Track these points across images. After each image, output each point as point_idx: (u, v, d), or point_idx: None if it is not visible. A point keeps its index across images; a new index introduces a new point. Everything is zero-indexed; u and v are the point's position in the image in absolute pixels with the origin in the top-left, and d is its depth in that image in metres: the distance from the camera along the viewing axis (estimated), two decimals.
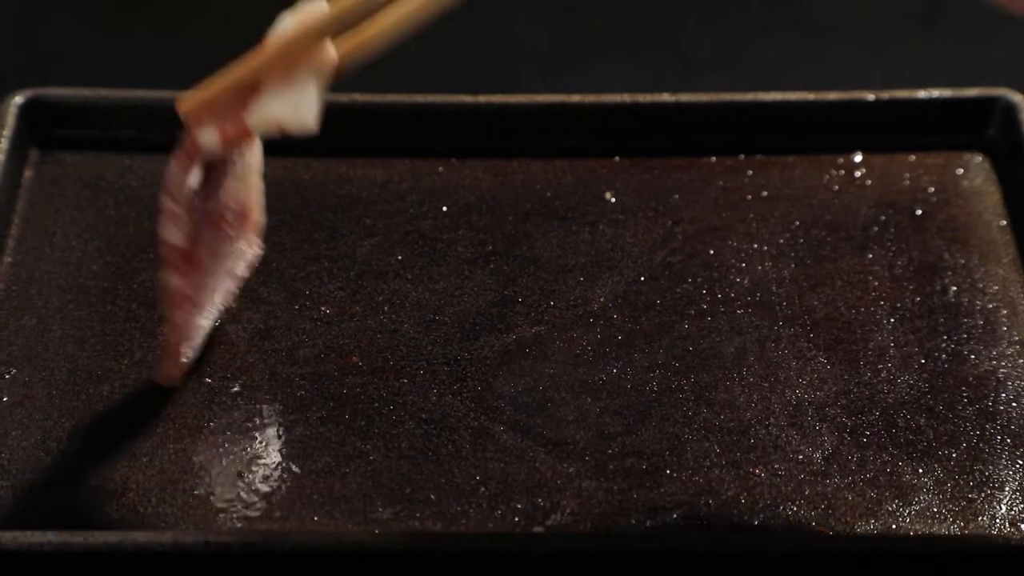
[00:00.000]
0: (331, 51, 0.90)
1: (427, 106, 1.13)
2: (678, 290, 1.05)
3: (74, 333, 1.01)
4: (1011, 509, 0.94)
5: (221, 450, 0.96)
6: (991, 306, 1.04)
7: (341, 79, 0.91)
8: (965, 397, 0.99)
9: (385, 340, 1.01)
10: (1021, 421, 0.97)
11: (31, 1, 1.40)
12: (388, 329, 1.02)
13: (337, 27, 0.90)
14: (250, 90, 0.91)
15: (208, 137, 0.91)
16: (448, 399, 0.98)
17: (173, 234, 0.94)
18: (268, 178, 1.11)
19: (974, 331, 1.02)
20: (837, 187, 1.11)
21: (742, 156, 1.13)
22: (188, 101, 0.93)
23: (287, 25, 0.91)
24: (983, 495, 0.94)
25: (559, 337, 1.02)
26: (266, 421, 0.97)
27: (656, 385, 0.99)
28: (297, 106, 0.90)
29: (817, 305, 1.04)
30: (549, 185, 1.11)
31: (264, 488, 0.94)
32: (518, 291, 1.04)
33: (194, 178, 0.93)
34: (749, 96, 1.13)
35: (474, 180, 1.11)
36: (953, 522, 0.93)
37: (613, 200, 1.10)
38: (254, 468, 0.95)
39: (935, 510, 0.93)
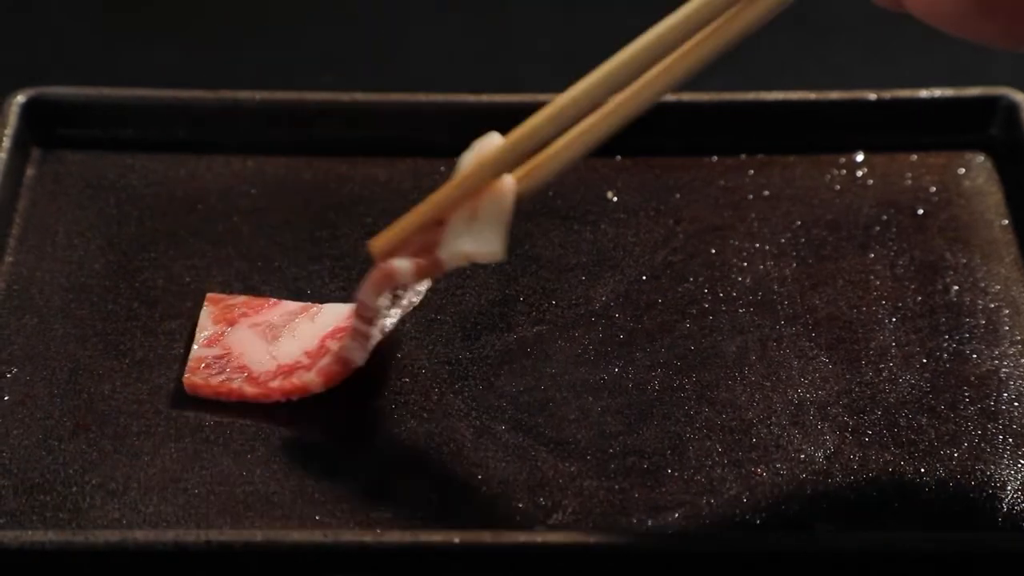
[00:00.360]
0: (509, 181, 0.94)
1: (429, 105, 1.13)
2: (680, 289, 1.05)
3: (75, 332, 1.01)
4: (1013, 509, 0.94)
5: (222, 449, 0.96)
6: (993, 305, 1.04)
7: (521, 205, 0.95)
8: (967, 397, 0.99)
9: (387, 339, 1.01)
10: (1023, 421, 0.97)
11: (33, 0, 1.40)
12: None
13: (513, 159, 0.94)
14: (436, 225, 0.95)
15: (404, 268, 0.95)
16: (450, 398, 0.98)
17: (356, 354, 0.98)
18: (270, 177, 1.11)
19: (976, 331, 1.02)
20: (839, 186, 1.11)
21: (743, 156, 1.13)
22: (380, 240, 0.97)
23: (467, 162, 0.95)
24: (985, 495, 0.94)
25: (561, 336, 1.02)
26: (268, 419, 0.97)
27: (658, 384, 0.99)
28: (483, 238, 0.94)
29: (819, 304, 1.04)
30: (551, 184, 1.11)
31: (265, 487, 0.94)
32: (520, 290, 1.04)
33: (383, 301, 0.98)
34: (751, 96, 1.13)
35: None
36: (956, 522, 0.93)
37: (615, 199, 1.10)
38: (255, 467, 0.95)
39: (937, 509, 0.93)
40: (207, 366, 0.98)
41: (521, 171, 0.95)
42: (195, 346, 0.99)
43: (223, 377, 0.97)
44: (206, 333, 1.00)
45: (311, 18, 1.41)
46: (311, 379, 0.97)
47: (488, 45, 1.39)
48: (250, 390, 0.97)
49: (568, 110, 0.93)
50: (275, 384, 0.97)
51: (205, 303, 1.01)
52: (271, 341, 0.99)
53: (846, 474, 0.95)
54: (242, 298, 1.02)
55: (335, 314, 1.01)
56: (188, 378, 0.98)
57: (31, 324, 1.02)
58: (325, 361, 0.97)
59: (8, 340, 1.01)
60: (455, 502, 0.93)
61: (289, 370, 0.98)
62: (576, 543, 0.90)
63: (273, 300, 1.02)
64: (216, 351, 0.98)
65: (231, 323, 1.00)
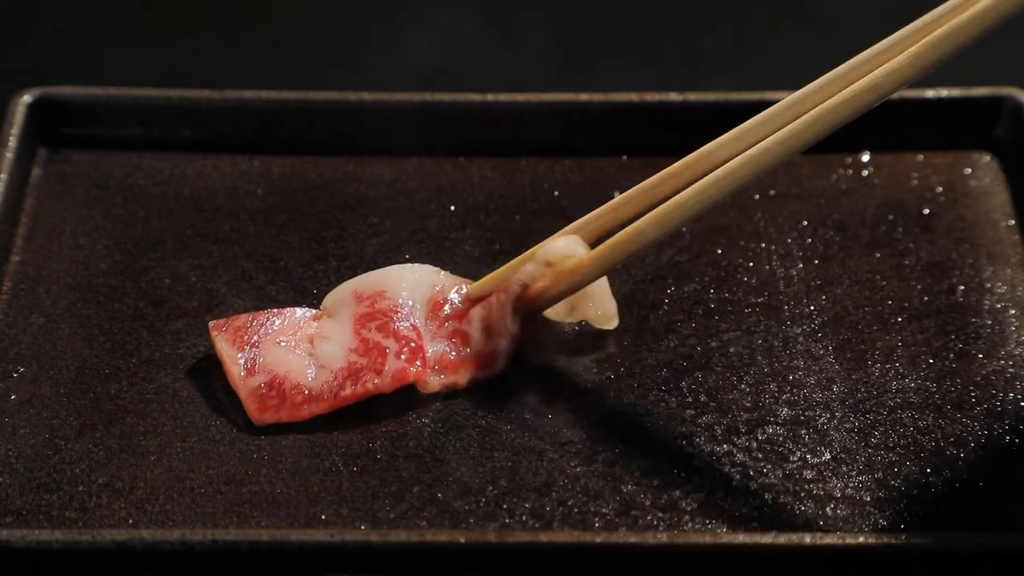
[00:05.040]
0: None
1: (435, 104, 1.13)
2: (685, 289, 1.05)
3: (82, 331, 1.02)
4: (1019, 509, 0.94)
5: (228, 449, 0.96)
6: (999, 306, 1.04)
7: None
8: (973, 397, 0.99)
9: None
10: None
11: None
12: None
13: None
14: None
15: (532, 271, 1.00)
16: (455, 398, 0.98)
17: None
18: (277, 177, 1.11)
19: (982, 331, 1.02)
20: (845, 186, 1.11)
21: None
22: (476, 286, 1.01)
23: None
24: (991, 495, 0.94)
25: (565, 336, 1.02)
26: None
27: (663, 384, 0.99)
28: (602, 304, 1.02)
29: (825, 304, 1.04)
30: (557, 184, 1.11)
31: (271, 487, 0.94)
32: None
33: None
34: (756, 95, 1.13)
35: (482, 179, 1.11)
36: (961, 522, 0.93)
37: None
38: (261, 467, 0.95)
39: (943, 510, 0.93)
40: (263, 396, 0.97)
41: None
42: (239, 380, 0.97)
43: (288, 404, 0.96)
44: (240, 362, 0.99)
45: (316, 17, 1.41)
46: (384, 383, 0.97)
47: (495, 43, 1.39)
48: (321, 407, 0.96)
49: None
50: (346, 393, 0.97)
51: (212, 332, 0.99)
52: (307, 353, 0.98)
53: (852, 474, 0.95)
54: (243, 316, 1.00)
55: (343, 302, 1.00)
56: (259, 416, 0.96)
57: (38, 323, 1.02)
58: (397, 366, 0.97)
59: (15, 339, 1.01)
60: (461, 502, 0.93)
61: (354, 375, 0.97)
62: (581, 543, 0.90)
63: (275, 310, 1.01)
64: (263, 378, 0.97)
65: (255, 346, 0.99)
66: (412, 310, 0.99)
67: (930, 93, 1.12)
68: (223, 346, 0.98)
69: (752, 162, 0.95)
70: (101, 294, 1.04)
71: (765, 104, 1.12)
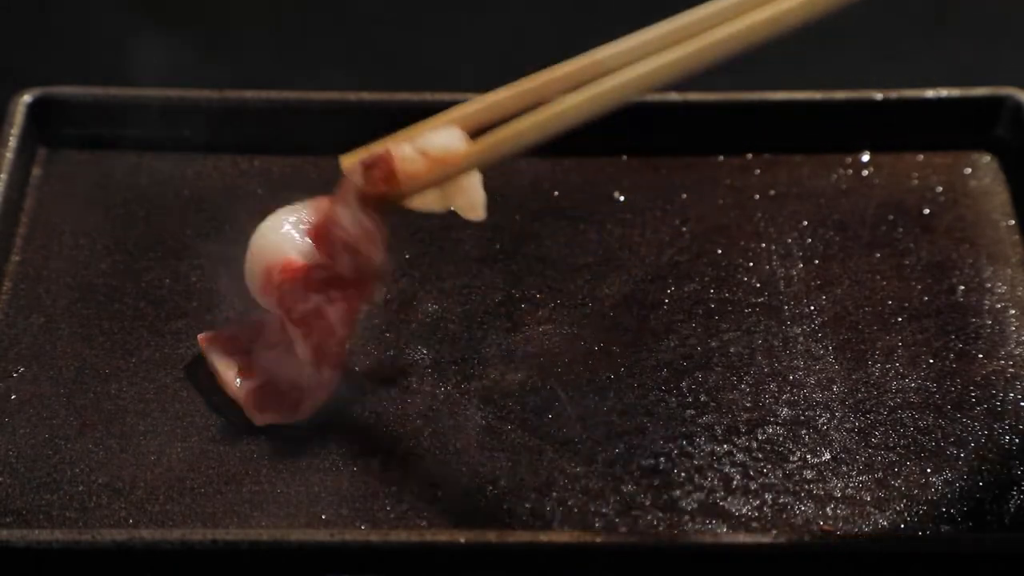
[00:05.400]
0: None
1: (434, 103, 1.12)
2: (685, 289, 1.05)
3: (82, 331, 1.02)
4: (1019, 509, 0.94)
5: (228, 449, 0.96)
6: (999, 306, 1.04)
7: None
8: (973, 397, 0.99)
9: (393, 338, 1.01)
10: None
11: None
12: (396, 328, 1.02)
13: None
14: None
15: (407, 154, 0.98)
16: (456, 398, 0.98)
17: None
18: (277, 177, 1.11)
19: (982, 331, 1.02)
20: (845, 186, 1.11)
21: (750, 155, 1.13)
22: (349, 158, 0.99)
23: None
24: (991, 495, 0.94)
25: (567, 336, 1.02)
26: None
27: (664, 385, 0.99)
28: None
29: (825, 304, 1.04)
30: (557, 184, 1.11)
31: (271, 487, 0.94)
32: (526, 290, 1.04)
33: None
34: (756, 95, 1.13)
35: (482, 178, 1.11)
36: (961, 522, 0.93)
37: (621, 199, 1.10)
38: (261, 467, 0.95)
39: (943, 510, 0.93)
40: (263, 396, 0.97)
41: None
42: (236, 386, 0.97)
43: (287, 404, 0.96)
44: (235, 368, 0.98)
45: (317, 17, 1.41)
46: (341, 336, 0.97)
47: (495, 43, 1.39)
48: (317, 396, 0.97)
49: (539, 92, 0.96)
50: (326, 375, 0.96)
51: (202, 343, 0.99)
52: (291, 352, 0.98)
53: (852, 474, 0.95)
54: (230, 328, 1.00)
55: (263, 290, 1.00)
56: (260, 417, 0.96)
57: (38, 323, 1.02)
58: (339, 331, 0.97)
59: (15, 339, 1.01)
60: (461, 502, 0.94)
61: (322, 353, 0.97)
62: (582, 543, 0.90)
63: (256, 319, 1.01)
64: (260, 379, 0.97)
65: (247, 352, 0.99)
66: (312, 254, 0.97)
67: (930, 93, 1.12)
68: (215, 356, 0.99)
69: (642, 77, 0.93)
70: (101, 294, 1.04)
71: (765, 104, 1.13)
